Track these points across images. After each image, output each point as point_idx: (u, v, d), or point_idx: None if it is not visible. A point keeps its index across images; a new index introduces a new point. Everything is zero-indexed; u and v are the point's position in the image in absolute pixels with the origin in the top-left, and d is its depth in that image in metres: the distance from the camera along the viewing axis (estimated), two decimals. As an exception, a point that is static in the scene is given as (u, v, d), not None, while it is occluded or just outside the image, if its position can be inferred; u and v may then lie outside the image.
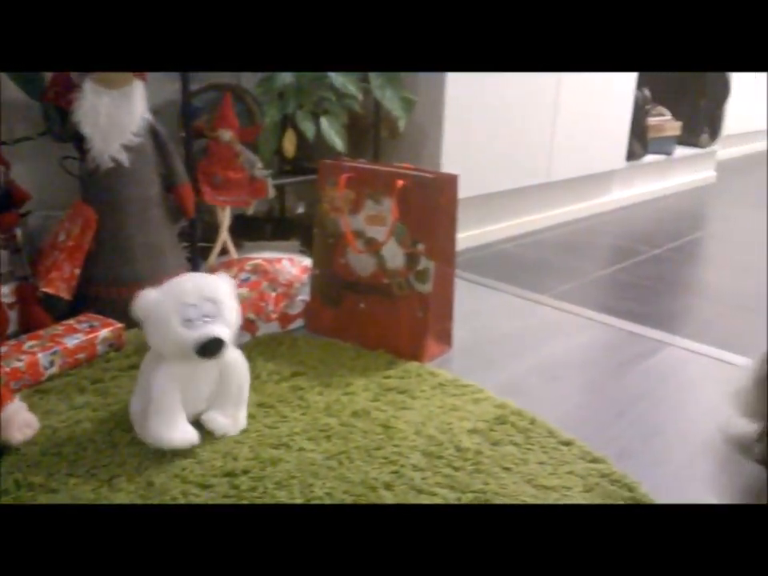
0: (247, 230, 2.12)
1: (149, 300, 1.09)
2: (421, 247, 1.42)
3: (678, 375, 1.48)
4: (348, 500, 0.99)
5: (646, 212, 3.06)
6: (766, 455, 1.17)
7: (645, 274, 2.20)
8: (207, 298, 1.09)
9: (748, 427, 1.25)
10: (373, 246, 1.48)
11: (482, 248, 2.36)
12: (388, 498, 1.00)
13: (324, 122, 1.85)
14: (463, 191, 2.33)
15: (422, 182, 1.41)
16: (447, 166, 2.13)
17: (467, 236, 2.33)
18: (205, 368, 1.11)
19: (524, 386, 1.40)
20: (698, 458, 1.18)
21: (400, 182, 1.41)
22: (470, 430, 1.19)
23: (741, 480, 1.14)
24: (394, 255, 1.46)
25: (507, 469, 1.08)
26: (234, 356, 1.14)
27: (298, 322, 1.61)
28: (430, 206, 1.40)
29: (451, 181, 1.43)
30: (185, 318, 1.07)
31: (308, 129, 1.80)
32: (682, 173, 3.56)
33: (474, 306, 1.83)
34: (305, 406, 1.24)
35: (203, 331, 1.06)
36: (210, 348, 1.07)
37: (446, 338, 1.54)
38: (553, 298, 1.93)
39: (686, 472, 1.14)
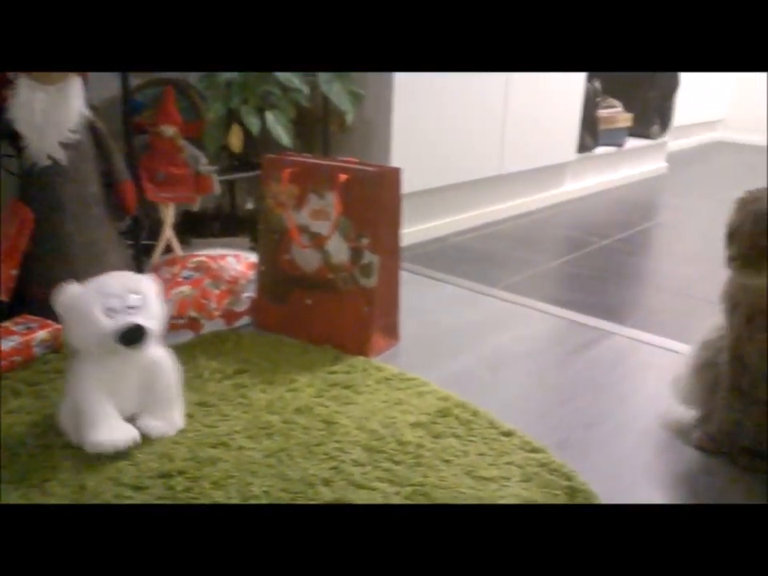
0: (195, 227, 2.09)
1: (71, 293, 1.07)
2: (365, 241, 1.42)
3: (622, 364, 1.50)
4: (285, 498, 0.98)
5: (597, 203, 3.10)
6: (702, 442, 1.19)
7: (593, 264, 2.23)
8: (131, 290, 1.08)
9: (687, 414, 1.27)
10: (317, 240, 1.47)
11: (435, 241, 2.36)
12: (326, 495, 0.99)
13: (270, 116, 1.83)
14: (415, 184, 2.35)
15: (364, 176, 1.40)
16: (397, 160, 2.13)
17: (420, 229, 2.34)
18: (128, 367, 1.10)
19: (469, 377, 1.41)
20: (638, 446, 1.20)
21: (342, 176, 1.40)
22: (412, 423, 1.19)
23: (679, 467, 1.16)
24: (339, 250, 1.45)
25: (447, 461, 1.08)
26: (158, 354, 1.12)
27: (245, 319, 1.60)
28: (373, 199, 1.39)
29: (394, 174, 1.42)
30: (107, 307, 1.05)
31: (253, 124, 1.78)
32: (634, 164, 3.61)
33: (424, 299, 1.83)
34: (247, 403, 1.23)
35: (124, 319, 1.05)
36: (132, 336, 1.05)
37: (392, 331, 1.54)
38: (503, 290, 1.94)
39: (626, 460, 1.16)
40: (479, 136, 2.46)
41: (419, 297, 1.84)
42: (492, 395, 1.34)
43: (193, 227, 2.06)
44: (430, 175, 2.29)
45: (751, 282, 1.05)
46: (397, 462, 1.07)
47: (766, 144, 5.20)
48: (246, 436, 1.13)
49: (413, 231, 2.31)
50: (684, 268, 2.25)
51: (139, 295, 1.08)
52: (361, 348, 1.45)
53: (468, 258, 2.21)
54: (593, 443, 1.20)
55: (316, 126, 2.15)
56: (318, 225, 1.46)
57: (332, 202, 1.42)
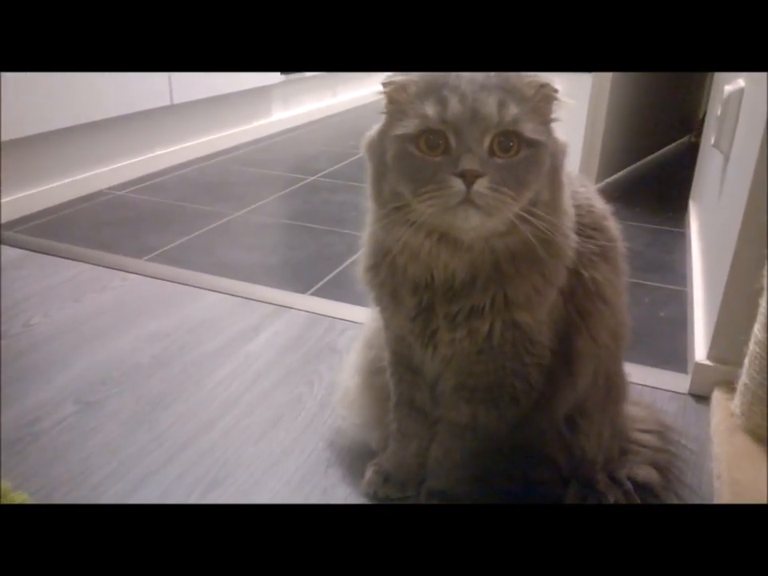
0: None
1: None
2: None
3: (291, 357, 1.06)
4: None
5: (311, 133, 2.66)
6: (375, 485, 0.78)
7: (289, 209, 1.78)
8: None
9: (363, 436, 0.86)
10: None
11: (81, 201, 1.75)
12: None
13: None
14: (44, 123, 1.69)
15: None
16: (14, 92, 1.48)
17: (58, 186, 1.71)
18: None
19: (43, 424, 0.88)
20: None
21: None
22: None
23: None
24: None
25: None
26: None
27: None
28: None
29: None
30: None
31: None
32: (355, 86, 3.21)
33: (26, 292, 1.25)
34: None
35: None
36: None
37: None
38: (153, 260, 1.41)
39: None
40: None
41: (19, 290, 1.26)
42: (71, 446, 0.83)
43: None
44: (75, 109, 1.67)
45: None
46: None
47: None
48: None
49: (44, 190, 1.68)
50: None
51: None
52: None
53: (122, 220, 1.64)
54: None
55: None
56: None
57: None
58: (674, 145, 2.49)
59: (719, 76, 1.67)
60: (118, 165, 1.90)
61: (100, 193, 1.82)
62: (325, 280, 1.34)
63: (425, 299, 0.65)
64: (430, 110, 0.57)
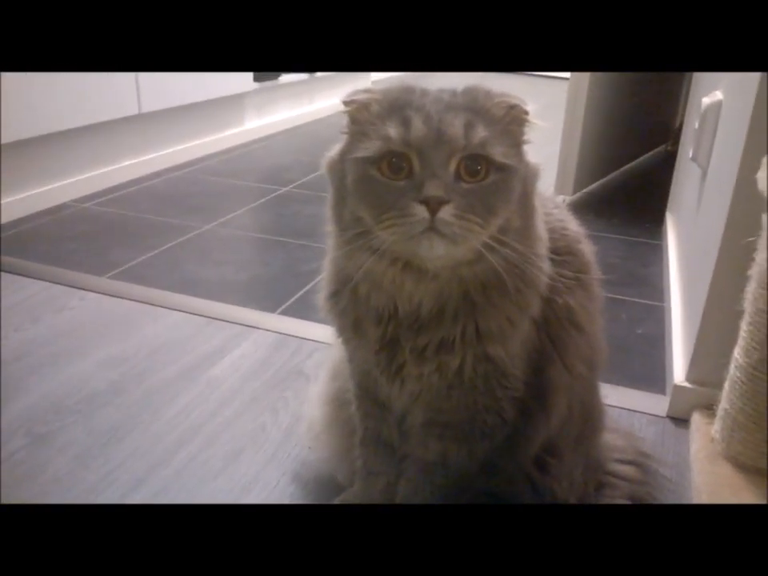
0: None
1: None
2: None
3: (255, 382, 1.01)
4: None
5: (285, 142, 2.61)
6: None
7: (261, 221, 1.74)
8: None
9: (329, 470, 0.81)
10: None
11: (44, 214, 1.70)
12: None
13: None
14: (5, 134, 1.64)
15: None
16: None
17: (25, 198, 1.66)
18: None
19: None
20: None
21: None
22: None
23: None
24: None
25: None
26: None
27: None
28: None
29: None
30: None
31: None
32: (332, 93, 3.17)
33: (-19, 312, 1.20)
34: None
35: None
36: None
37: None
38: (116, 278, 1.36)
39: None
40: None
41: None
42: (15, 487, 0.78)
43: None
44: (27, 120, 1.60)
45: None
46: None
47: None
48: None
49: (3, 204, 1.62)
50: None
51: None
52: None
53: (85, 235, 1.58)
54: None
55: None
56: None
57: None
58: (650, 154, 2.48)
59: (696, 86, 1.66)
60: (83, 176, 1.84)
61: (64, 206, 1.76)
62: (294, 297, 1.29)
63: (389, 331, 0.61)
64: (393, 131, 0.53)
